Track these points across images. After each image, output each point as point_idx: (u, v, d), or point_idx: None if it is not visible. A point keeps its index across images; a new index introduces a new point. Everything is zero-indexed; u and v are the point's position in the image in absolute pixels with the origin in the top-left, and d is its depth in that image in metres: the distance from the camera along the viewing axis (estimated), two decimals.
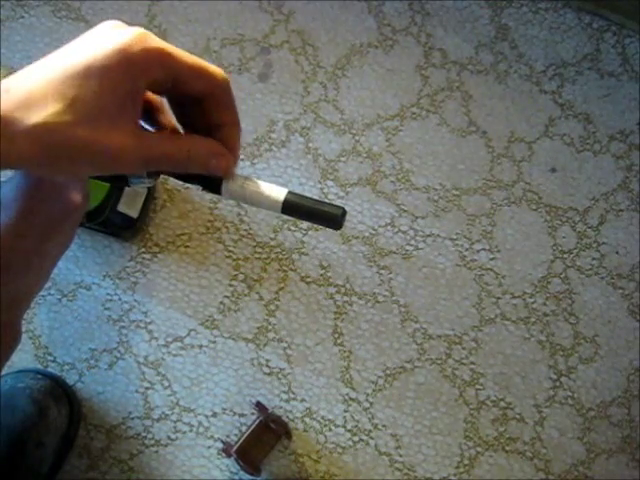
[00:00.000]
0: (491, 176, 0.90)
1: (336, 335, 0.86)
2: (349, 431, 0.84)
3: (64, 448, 0.80)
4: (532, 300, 0.87)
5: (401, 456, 0.84)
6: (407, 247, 0.88)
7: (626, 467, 0.85)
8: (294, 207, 0.42)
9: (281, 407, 0.84)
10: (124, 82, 0.36)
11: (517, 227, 0.89)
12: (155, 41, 0.37)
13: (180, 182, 0.45)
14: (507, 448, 0.85)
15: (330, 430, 0.84)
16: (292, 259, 0.87)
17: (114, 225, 0.82)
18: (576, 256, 0.89)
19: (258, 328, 0.85)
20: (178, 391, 0.84)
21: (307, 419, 0.84)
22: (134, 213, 0.82)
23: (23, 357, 0.84)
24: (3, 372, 0.80)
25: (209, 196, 0.87)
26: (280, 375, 0.85)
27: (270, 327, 0.85)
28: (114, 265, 0.86)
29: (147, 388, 0.84)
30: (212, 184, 0.43)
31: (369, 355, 0.85)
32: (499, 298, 0.87)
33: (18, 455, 0.74)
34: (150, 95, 0.42)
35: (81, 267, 0.86)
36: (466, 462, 0.84)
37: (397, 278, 0.87)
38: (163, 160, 0.39)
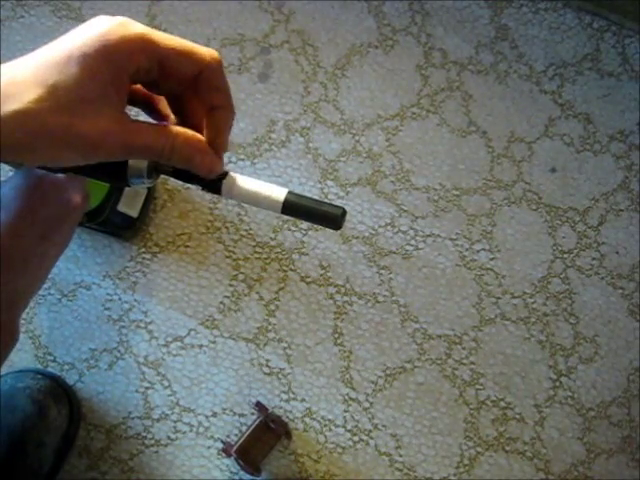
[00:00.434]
0: (491, 176, 0.90)
1: (336, 335, 0.86)
2: (349, 431, 0.84)
3: (64, 448, 0.80)
4: (532, 300, 0.87)
5: (401, 456, 0.84)
6: (407, 247, 0.88)
7: (626, 467, 0.85)
8: (294, 207, 0.41)
9: (281, 407, 0.84)
10: (104, 69, 0.36)
11: (517, 227, 0.89)
12: (135, 28, 0.37)
13: (180, 182, 0.45)
14: (507, 448, 0.85)
15: (330, 430, 0.84)
16: (292, 259, 0.87)
17: (114, 225, 0.82)
18: (576, 256, 0.89)
19: (258, 328, 0.85)
20: (178, 391, 0.84)
21: (307, 419, 0.84)
22: (134, 213, 0.82)
23: (23, 357, 0.84)
24: (3, 372, 0.80)
25: (209, 196, 0.87)
26: (280, 375, 0.85)
27: (270, 327, 0.85)
28: (114, 265, 0.86)
29: (147, 388, 0.84)
30: (212, 184, 0.43)
31: (369, 355, 0.85)
32: (499, 298, 0.87)
33: (18, 455, 0.74)
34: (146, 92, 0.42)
35: (81, 267, 0.86)
36: (466, 462, 0.84)
37: (397, 278, 0.87)
38: (145, 149, 0.39)
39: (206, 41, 0.91)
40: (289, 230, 0.87)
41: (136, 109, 0.44)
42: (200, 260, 0.86)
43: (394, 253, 0.88)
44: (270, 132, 0.90)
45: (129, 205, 0.82)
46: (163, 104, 0.43)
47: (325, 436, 0.84)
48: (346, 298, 0.86)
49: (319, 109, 0.90)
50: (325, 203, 0.41)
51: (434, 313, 0.87)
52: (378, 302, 0.86)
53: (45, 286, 0.86)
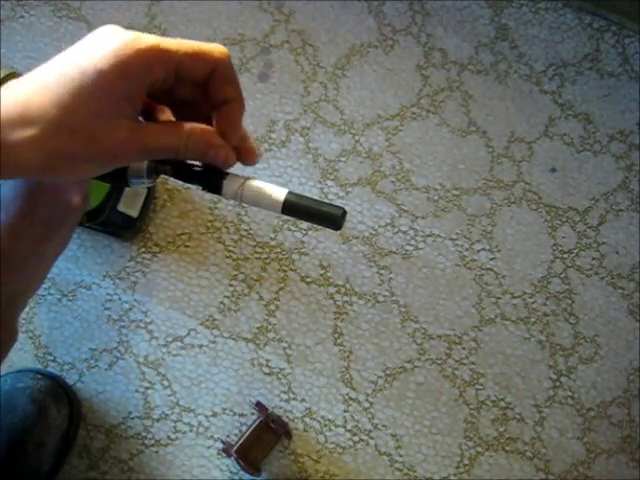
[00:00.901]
0: (491, 176, 0.90)
1: (336, 335, 0.86)
2: (349, 431, 0.84)
3: (64, 448, 0.80)
4: (532, 300, 0.87)
5: (401, 456, 0.84)
6: (407, 247, 0.88)
7: (626, 467, 0.85)
8: (294, 207, 0.41)
9: (281, 407, 0.84)
10: (119, 85, 0.37)
11: (517, 227, 0.89)
12: (148, 40, 0.37)
13: (180, 182, 0.45)
14: (507, 448, 0.85)
15: (330, 430, 0.84)
16: (292, 259, 0.87)
17: (114, 225, 0.82)
18: (576, 256, 0.89)
19: (258, 328, 0.85)
20: (178, 391, 0.84)
21: (307, 419, 0.84)
22: (134, 213, 0.82)
23: (23, 357, 0.84)
24: (3, 372, 0.80)
25: (209, 196, 0.87)
26: (280, 375, 0.85)
27: (270, 327, 0.85)
28: (114, 265, 0.86)
29: (147, 388, 0.84)
30: (212, 184, 0.43)
31: (369, 355, 0.85)
32: (499, 298, 0.87)
33: (18, 455, 0.74)
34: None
35: (81, 267, 0.86)
36: (466, 462, 0.84)
37: (397, 278, 0.87)
38: (161, 150, 0.40)
39: (206, 41, 0.90)
40: (289, 230, 0.87)
41: None
42: (200, 260, 0.86)
43: (394, 253, 0.88)
44: (270, 132, 0.90)
45: (129, 205, 0.82)
46: (167, 115, 0.43)
47: (325, 436, 0.84)
48: (346, 298, 0.86)
49: (319, 109, 0.90)
50: (325, 203, 0.41)
51: (434, 313, 0.87)
52: (378, 302, 0.86)
53: (45, 286, 0.86)
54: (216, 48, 0.40)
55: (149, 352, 0.85)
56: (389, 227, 0.88)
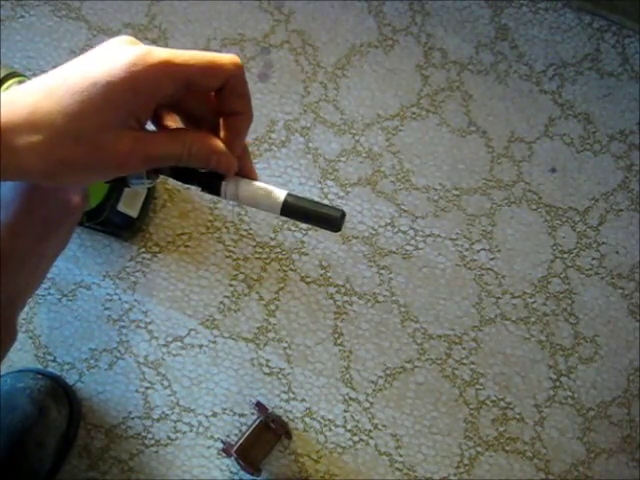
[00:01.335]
0: (491, 176, 0.90)
1: (336, 335, 0.86)
2: (349, 431, 0.84)
3: (64, 448, 0.80)
4: (532, 300, 0.87)
5: (401, 456, 0.84)
6: (407, 247, 0.88)
7: (626, 467, 0.85)
8: (293, 209, 0.41)
9: (281, 407, 0.84)
10: (128, 98, 0.37)
11: (517, 227, 0.89)
12: (160, 54, 0.37)
13: (180, 182, 0.45)
14: (507, 448, 0.85)
15: (330, 430, 0.84)
16: (292, 259, 0.87)
17: (114, 225, 0.82)
18: (576, 256, 0.89)
19: (258, 328, 0.85)
20: (178, 391, 0.84)
21: (307, 419, 0.84)
22: (134, 213, 0.82)
23: (23, 357, 0.84)
24: (3, 372, 0.80)
25: (209, 196, 0.87)
26: (280, 375, 0.85)
27: (270, 327, 0.85)
28: (114, 265, 0.86)
29: (147, 388, 0.84)
30: (211, 185, 0.43)
31: (369, 355, 0.85)
32: (499, 298, 0.87)
33: (18, 455, 0.74)
34: None
35: (81, 267, 0.86)
36: (466, 462, 0.84)
37: (397, 278, 0.87)
38: (165, 158, 0.40)
39: (206, 41, 0.91)
40: (289, 230, 0.87)
41: None
42: (200, 260, 0.86)
43: (394, 253, 0.88)
44: (270, 132, 0.90)
45: (129, 205, 0.82)
46: (174, 119, 0.44)
47: (325, 436, 0.84)
48: (346, 298, 0.86)
49: (319, 109, 0.90)
50: (324, 205, 0.41)
51: (434, 313, 0.87)
52: (378, 302, 0.86)
53: (45, 286, 0.86)
54: (229, 61, 0.40)
55: (149, 352, 0.85)
56: (389, 227, 0.88)
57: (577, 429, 0.85)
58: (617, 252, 0.89)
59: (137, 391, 0.84)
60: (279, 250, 0.87)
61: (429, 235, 0.88)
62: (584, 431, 0.85)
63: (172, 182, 0.88)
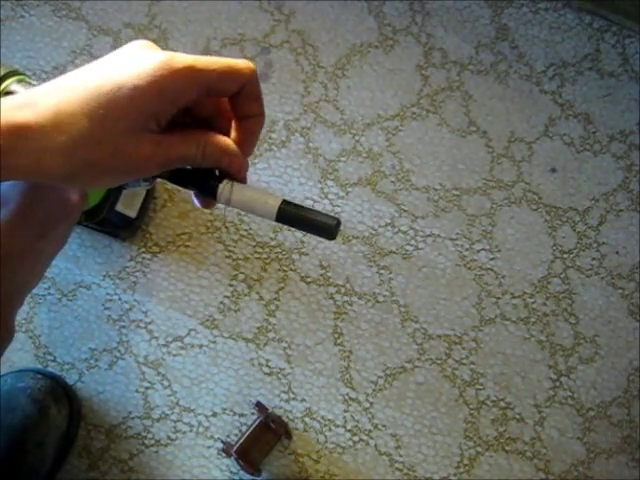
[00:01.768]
0: (491, 176, 0.90)
1: (336, 335, 0.86)
2: (349, 431, 0.84)
3: (64, 448, 0.80)
4: (532, 300, 0.87)
5: (401, 456, 0.84)
6: (407, 247, 0.88)
7: (626, 467, 0.84)
8: (288, 216, 0.41)
9: (281, 407, 0.84)
10: (153, 103, 0.37)
11: (517, 227, 0.89)
12: (185, 61, 0.38)
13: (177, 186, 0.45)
14: (507, 448, 0.84)
15: (330, 430, 0.84)
16: (292, 259, 0.87)
17: (112, 225, 0.82)
18: (576, 256, 0.89)
19: (258, 328, 0.85)
20: (178, 391, 0.84)
21: (307, 419, 0.84)
22: (132, 213, 0.82)
23: (23, 357, 0.84)
24: (3, 372, 0.80)
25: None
26: (280, 375, 0.85)
27: (270, 327, 0.85)
28: (114, 265, 0.86)
29: (147, 388, 0.84)
30: (208, 190, 0.43)
31: (369, 355, 0.85)
32: (499, 298, 0.87)
33: (18, 455, 0.74)
34: None
35: (81, 267, 0.86)
36: (466, 462, 0.84)
37: (397, 278, 0.87)
38: (179, 160, 0.40)
39: (206, 41, 0.91)
40: (289, 230, 0.87)
41: None
42: (200, 260, 0.86)
43: (394, 253, 0.88)
44: (270, 132, 0.90)
45: (127, 205, 0.82)
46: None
47: (325, 436, 0.84)
48: (346, 298, 0.86)
49: (319, 109, 0.90)
50: (320, 213, 0.41)
51: (434, 313, 0.87)
52: (378, 302, 0.86)
53: (45, 286, 0.86)
54: (245, 66, 0.40)
55: (149, 352, 0.85)
56: (389, 227, 0.88)
57: (577, 429, 0.85)
58: (617, 252, 0.89)
59: (137, 391, 0.84)
60: (279, 250, 0.87)
61: (429, 235, 0.88)
62: (584, 431, 0.85)
63: None
